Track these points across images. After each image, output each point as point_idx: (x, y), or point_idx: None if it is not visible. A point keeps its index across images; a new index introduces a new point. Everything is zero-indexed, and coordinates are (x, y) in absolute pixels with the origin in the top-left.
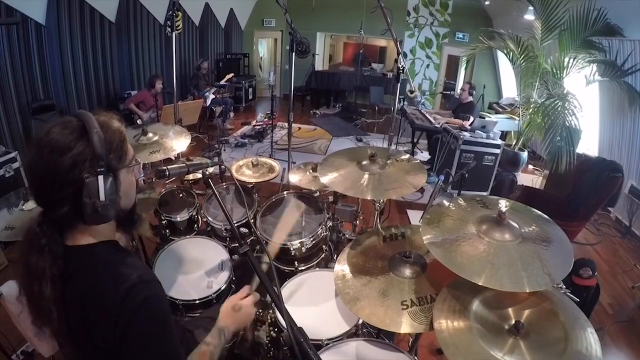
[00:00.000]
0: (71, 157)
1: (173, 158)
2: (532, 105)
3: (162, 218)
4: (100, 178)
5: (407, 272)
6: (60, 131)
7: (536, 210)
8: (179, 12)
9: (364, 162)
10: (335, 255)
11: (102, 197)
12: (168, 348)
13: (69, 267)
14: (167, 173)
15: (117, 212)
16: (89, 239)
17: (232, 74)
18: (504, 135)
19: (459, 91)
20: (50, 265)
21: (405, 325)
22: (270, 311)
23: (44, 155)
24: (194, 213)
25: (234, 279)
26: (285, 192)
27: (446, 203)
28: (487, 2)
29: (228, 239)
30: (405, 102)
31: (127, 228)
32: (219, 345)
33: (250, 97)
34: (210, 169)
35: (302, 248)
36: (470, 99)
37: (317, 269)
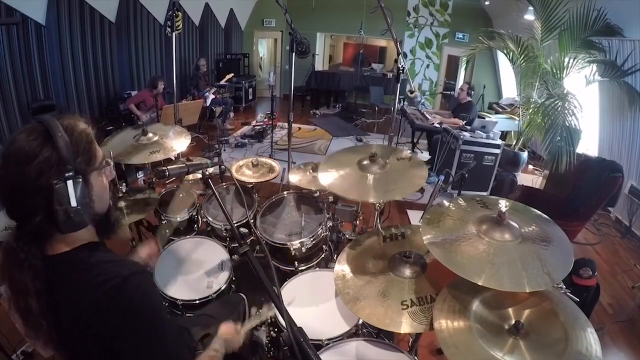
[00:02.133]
0: (37, 165)
1: (173, 158)
2: (532, 105)
3: (162, 218)
4: (70, 183)
5: (407, 272)
6: (24, 139)
7: (536, 210)
8: (179, 12)
9: (364, 162)
10: (335, 255)
11: (73, 202)
12: (165, 336)
13: (52, 278)
14: (167, 173)
15: (92, 216)
16: (68, 246)
17: (232, 74)
18: (504, 135)
19: (457, 91)
20: (32, 279)
21: (405, 325)
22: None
23: (10, 165)
24: (194, 213)
25: (234, 279)
26: (285, 192)
27: (446, 203)
28: (487, 2)
29: (228, 239)
30: (405, 102)
31: (105, 233)
32: (222, 355)
33: (250, 97)
34: (210, 169)
35: (302, 248)
36: (469, 98)
37: (317, 268)
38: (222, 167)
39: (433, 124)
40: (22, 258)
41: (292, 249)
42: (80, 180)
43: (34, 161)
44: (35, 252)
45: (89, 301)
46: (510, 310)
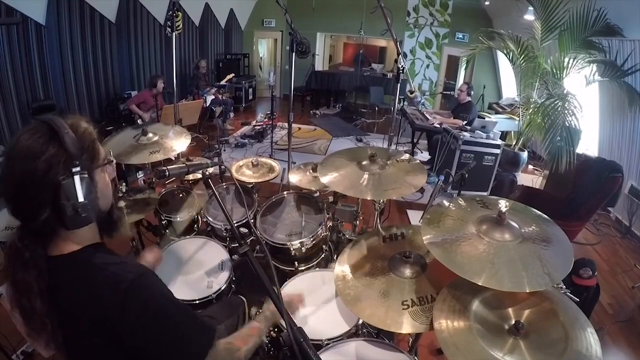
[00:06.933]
0: (45, 161)
1: (173, 158)
2: (532, 106)
3: (162, 218)
4: (77, 178)
5: (408, 272)
6: (29, 137)
7: (536, 210)
8: (179, 12)
9: (364, 162)
10: (335, 255)
11: (80, 197)
12: (190, 330)
13: (57, 279)
14: (167, 173)
15: (96, 214)
16: (73, 246)
17: (232, 75)
18: (504, 135)
19: (457, 92)
20: (36, 278)
21: (407, 325)
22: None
23: (16, 163)
24: (194, 213)
25: (234, 278)
26: (285, 192)
27: (446, 203)
28: (487, 3)
29: (228, 239)
30: (405, 103)
31: (109, 230)
32: (264, 330)
33: (250, 97)
34: (210, 169)
35: (302, 248)
36: (469, 99)
37: (317, 269)
38: (222, 167)
39: (433, 124)
40: (27, 257)
41: (292, 249)
42: (86, 176)
43: (41, 157)
44: (40, 251)
45: (96, 303)
46: (510, 310)
